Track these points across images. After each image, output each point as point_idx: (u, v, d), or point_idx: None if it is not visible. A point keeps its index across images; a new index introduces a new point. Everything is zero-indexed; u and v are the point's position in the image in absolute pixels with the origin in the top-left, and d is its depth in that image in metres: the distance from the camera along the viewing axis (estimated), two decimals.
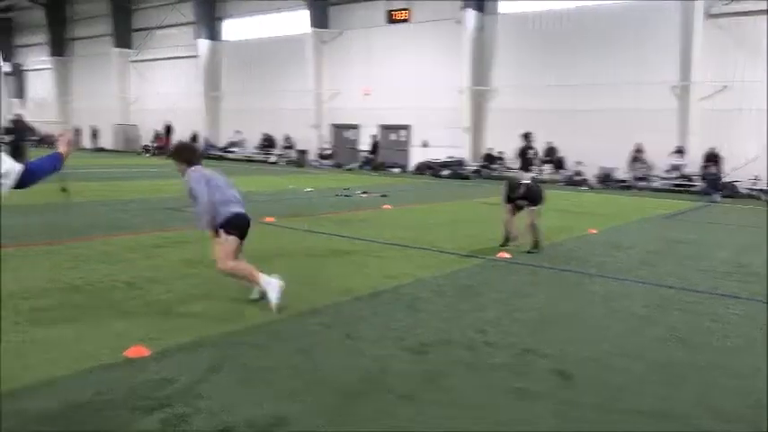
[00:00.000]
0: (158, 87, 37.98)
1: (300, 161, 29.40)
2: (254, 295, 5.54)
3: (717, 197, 18.63)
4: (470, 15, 24.94)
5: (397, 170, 26.68)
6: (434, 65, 26.45)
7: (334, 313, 5.40)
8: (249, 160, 30.58)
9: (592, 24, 22.93)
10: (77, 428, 3.21)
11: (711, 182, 19.49)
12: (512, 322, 5.31)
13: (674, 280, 7.20)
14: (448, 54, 25.84)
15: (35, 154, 6.33)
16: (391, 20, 27.95)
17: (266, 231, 9.62)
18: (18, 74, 46.63)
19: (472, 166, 24.89)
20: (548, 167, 22.57)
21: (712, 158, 19.98)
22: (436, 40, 26.51)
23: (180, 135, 33.64)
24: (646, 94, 21.59)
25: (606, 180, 22.06)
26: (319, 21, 29.63)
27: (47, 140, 35.48)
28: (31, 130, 30.40)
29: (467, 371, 4.17)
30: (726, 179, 19.73)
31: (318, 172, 25.54)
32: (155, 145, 33.86)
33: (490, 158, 24.63)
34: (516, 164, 21.89)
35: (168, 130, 32.97)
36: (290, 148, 30.50)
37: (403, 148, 27.95)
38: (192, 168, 5.37)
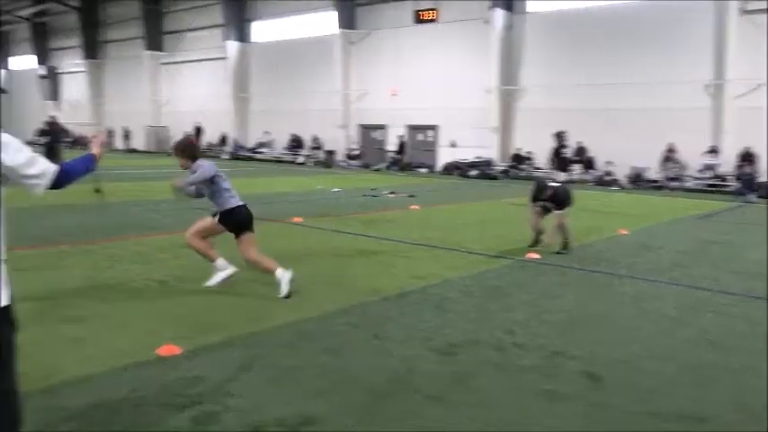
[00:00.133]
0: (188, 89, 38.46)
1: (328, 161, 29.50)
2: (283, 292, 5.66)
3: (752, 197, 18.25)
4: (498, 15, 24.76)
5: (424, 170, 26.59)
6: (462, 65, 26.31)
7: (362, 313, 5.43)
8: (277, 161, 30.76)
9: (621, 23, 22.59)
10: (113, 425, 3.28)
11: (746, 182, 19.09)
12: (541, 323, 5.27)
13: (706, 281, 7.07)
14: (476, 54, 25.68)
15: (69, 155, 6.48)
16: (419, 20, 27.87)
17: (294, 231, 9.70)
18: (53, 76, 47.59)
19: (500, 166, 24.70)
20: (578, 167, 22.32)
21: (747, 158, 19.57)
22: (464, 39, 26.37)
23: (210, 136, 34.21)
24: (678, 93, 21.20)
25: (637, 180, 21.71)
26: (347, 22, 29.72)
27: (81, 142, 36.15)
28: (65, 132, 30.98)
29: (495, 372, 4.16)
30: (761, 179, 19.31)
31: (346, 172, 25.60)
32: None
33: (519, 158, 24.42)
34: (550, 165, 21.79)
35: (198, 131, 33.38)
36: (317, 148, 30.62)
37: (430, 148, 27.86)
38: (199, 161, 5.88)
